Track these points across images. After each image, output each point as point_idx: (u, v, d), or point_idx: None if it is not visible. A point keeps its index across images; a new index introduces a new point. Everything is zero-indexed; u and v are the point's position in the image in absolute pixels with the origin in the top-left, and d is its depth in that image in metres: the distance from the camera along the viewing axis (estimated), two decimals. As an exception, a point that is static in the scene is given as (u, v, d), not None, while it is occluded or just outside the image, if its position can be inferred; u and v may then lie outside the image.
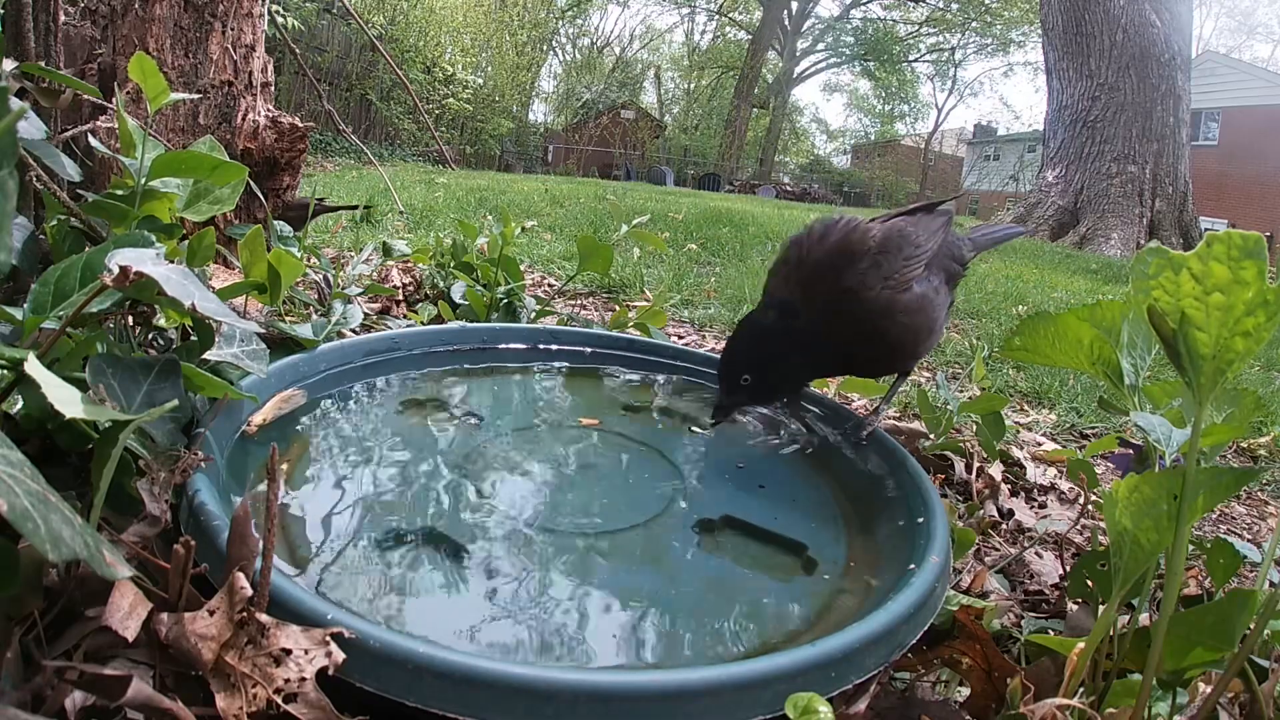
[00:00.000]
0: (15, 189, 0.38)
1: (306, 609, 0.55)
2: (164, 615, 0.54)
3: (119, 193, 0.90)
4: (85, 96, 1.06)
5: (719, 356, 1.05)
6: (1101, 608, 0.69)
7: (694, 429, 1.11)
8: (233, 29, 1.44)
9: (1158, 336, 0.56)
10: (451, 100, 12.42)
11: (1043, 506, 1.31)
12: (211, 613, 0.54)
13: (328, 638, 0.52)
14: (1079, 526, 1.14)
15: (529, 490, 0.90)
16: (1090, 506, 1.21)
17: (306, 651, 0.52)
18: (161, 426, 0.71)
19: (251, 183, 1.36)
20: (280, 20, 7.52)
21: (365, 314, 1.52)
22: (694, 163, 21.26)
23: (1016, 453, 1.43)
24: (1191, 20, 9.23)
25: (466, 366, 1.25)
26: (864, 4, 25.38)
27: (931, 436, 1.36)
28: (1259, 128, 17.34)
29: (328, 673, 0.51)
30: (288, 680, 0.51)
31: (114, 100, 1.04)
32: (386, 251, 1.74)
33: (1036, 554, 1.08)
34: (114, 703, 0.48)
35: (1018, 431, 1.65)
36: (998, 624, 0.83)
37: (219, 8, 1.42)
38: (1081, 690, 0.66)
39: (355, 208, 2.39)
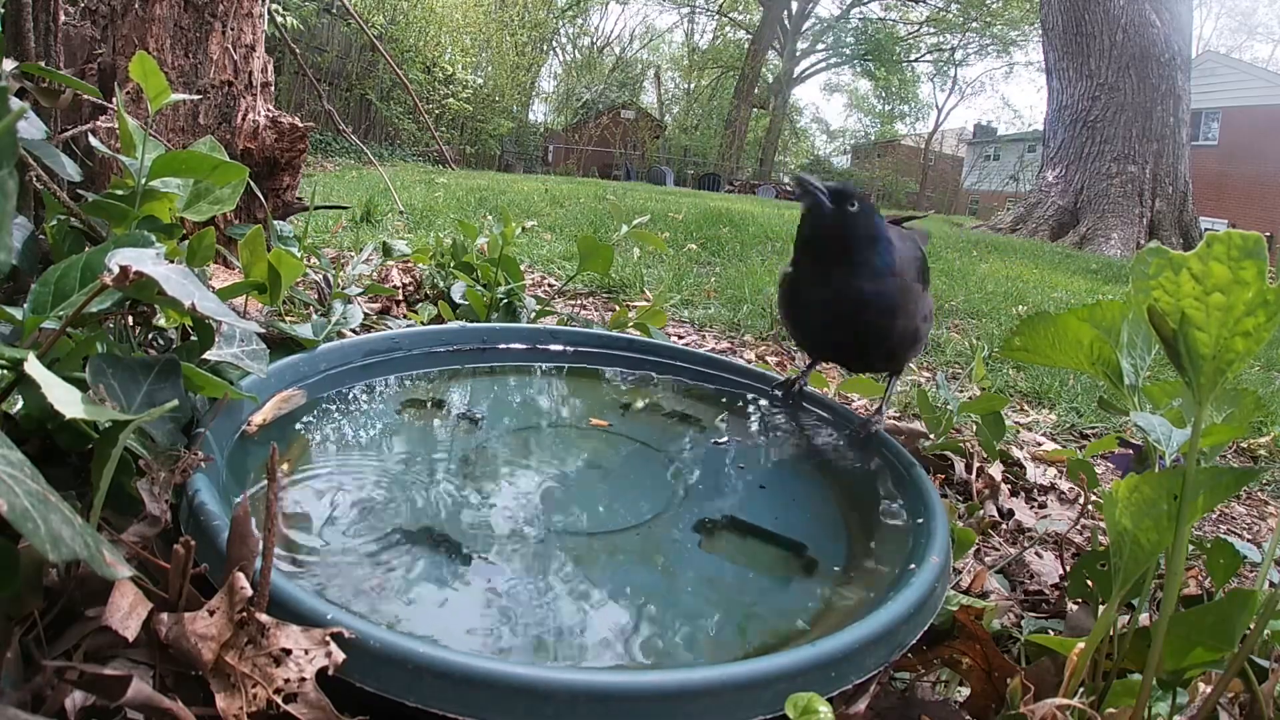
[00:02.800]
0: (15, 189, 0.38)
1: (306, 609, 0.55)
2: (164, 615, 0.54)
3: (119, 193, 0.90)
4: (85, 96, 1.06)
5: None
6: (1101, 608, 0.69)
7: (716, 441, 1.10)
8: (233, 29, 1.44)
9: (1157, 336, 0.56)
10: (451, 100, 12.41)
11: (1043, 506, 1.31)
12: (211, 613, 0.54)
13: (327, 638, 0.52)
14: (1079, 526, 1.14)
15: (529, 490, 0.90)
16: (1090, 506, 1.21)
17: (306, 652, 0.52)
18: (161, 426, 0.71)
19: (251, 183, 1.36)
20: (280, 20, 7.52)
21: (365, 314, 1.52)
22: (694, 163, 21.25)
23: (1016, 453, 1.43)
24: (1191, 20, 9.23)
25: (467, 366, 1.25)
26: (864, 4, 25.39)
27: (931, 436, 1.36)
28: (1259, 128, 17.34)
29: (327, 673, 0.51)
30: (287, 680, 0.51)
31: (114, 100, 1.04)
32: (386, 251, 1.74)
33: (1036, 554, 1.08)
34: (114, 703, 0.48)
35: (1018, 431, 1.65)
36: (998, 624, 0.83)
37: (219, 8, 1.42)
38: (1081, 690, 0.66)
39: (346, 207, 2.43)
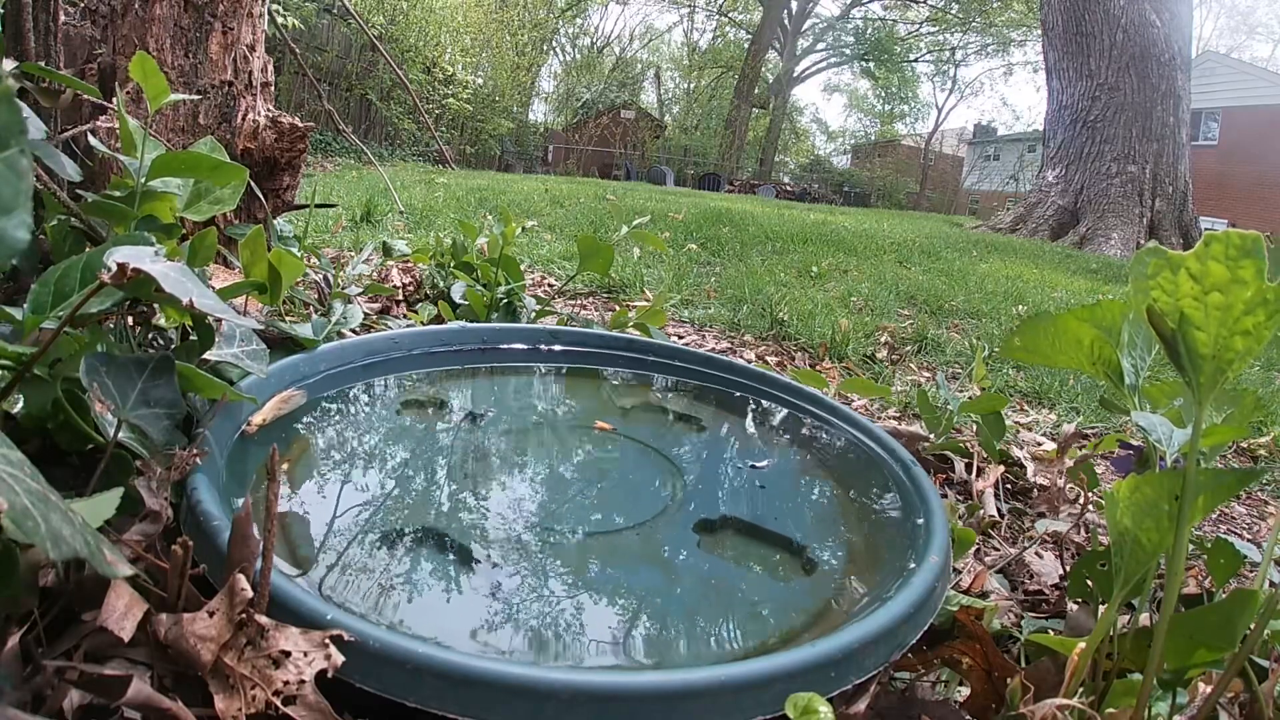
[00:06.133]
0: (30, 167, 0.37)
1: (306, 609, 0.55)
2: (163, 616, 0.54)
3: (118, 193, 0.90)
4: (85, 96, 1.06)
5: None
6: (1102, 608, 0.69)
7: (715, 442, 1.10)
8: (233, 29, 1.44)
9: (1157, 336, 0.56)
10: (451, 100, 12.40)
11: (1041, 515, 1.30)
12: (211, 614, 0.54)
13: (326, 640, 0.52)
14: (1079, 526, 1.14)
15: (529, 490, 0.90)
16: (1090, 506, 1.21)
17: (305, 654, 0.52)
18: (156, 423, 0.70)
19: (252, 183, 1.36)
20: (280, 20, 7.51)
21: (365, 314, 1.52)
22: (694, 163, 21.23)
23: (1016, 453, 1.43)
24: (1191, 20, 9.23)
25: (467, 367, 1.25)
26: (864, 4, 25.38)
27: (932, 437, 1.36)
28: (1259, 128, 17.33)
29: (326, 675, 0.51)
30: (286, 682, 0.50)
31: (114, 100, 1.04)
32: (386, 251, 1.74)
33: (1036, 554, 1.08)
34: (114, 703, 0.48)
35: (1018, 431, 1.65)
36: (998, 624, 0.83)
37: (219, 8, 1.41)
38: (1081, 690, 0.65)
39: (334, 205, 2.47)
